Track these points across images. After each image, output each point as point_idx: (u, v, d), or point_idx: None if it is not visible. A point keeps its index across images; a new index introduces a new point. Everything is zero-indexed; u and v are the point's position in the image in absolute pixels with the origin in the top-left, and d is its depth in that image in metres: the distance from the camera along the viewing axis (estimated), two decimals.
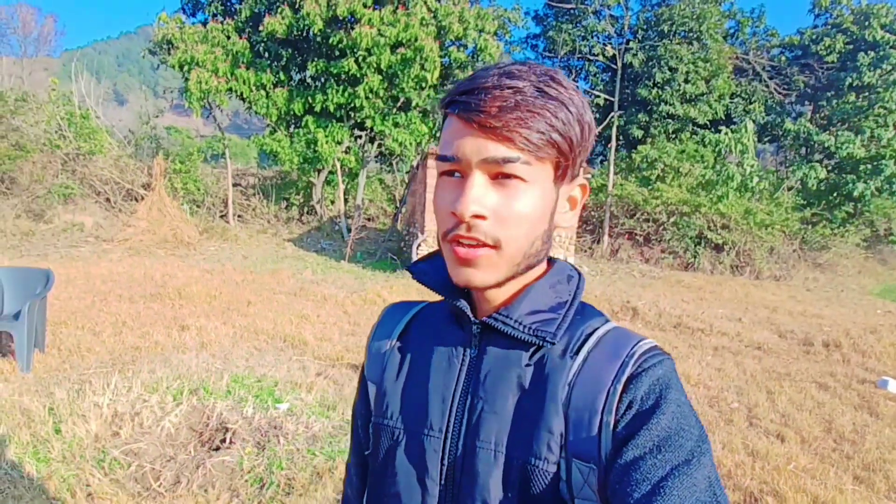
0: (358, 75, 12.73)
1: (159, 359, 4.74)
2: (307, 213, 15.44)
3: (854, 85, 16.78)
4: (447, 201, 0.65)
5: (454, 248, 0.65)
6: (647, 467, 0.58)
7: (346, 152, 13.94)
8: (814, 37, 17.85)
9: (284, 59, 14.18)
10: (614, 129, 16.75)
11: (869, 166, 15.69)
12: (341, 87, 13.13)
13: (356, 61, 12.63)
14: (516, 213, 0.63)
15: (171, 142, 16.27)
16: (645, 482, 0.57)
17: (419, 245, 10.89)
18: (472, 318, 0.72)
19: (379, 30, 12.20)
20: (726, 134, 13.37)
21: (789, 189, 16.57)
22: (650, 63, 16.81)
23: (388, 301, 8.08)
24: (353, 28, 12.53)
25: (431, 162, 10.60)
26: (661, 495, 0.55)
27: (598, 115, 18.81)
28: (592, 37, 17.52)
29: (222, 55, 12.62)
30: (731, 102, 17.61)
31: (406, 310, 0.86)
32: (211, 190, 14.97)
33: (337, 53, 13.54)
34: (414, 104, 13.45)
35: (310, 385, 4.44)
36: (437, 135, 13.78)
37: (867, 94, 16.62)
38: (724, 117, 17.42)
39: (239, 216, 14.86)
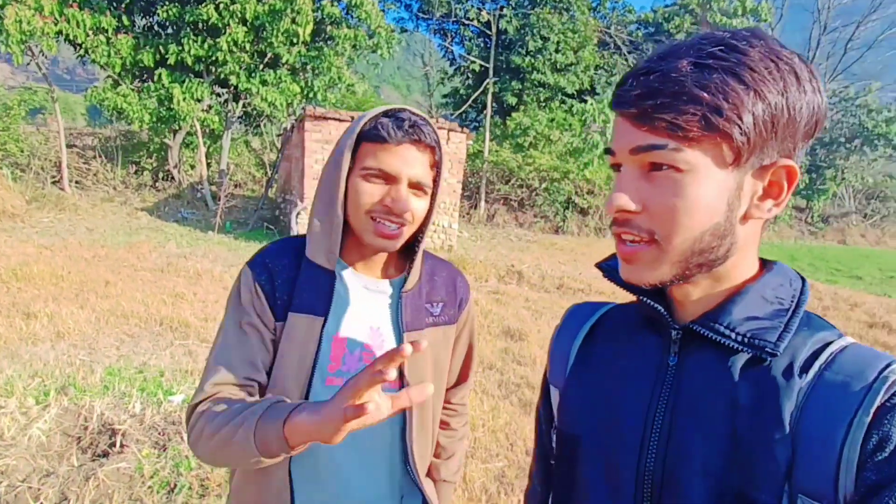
0: (219, 25, 11.44)
1: (3, 354, 3.92)
2: (163, 178, 13.82)
3: None
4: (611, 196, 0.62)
5: (618, 244, 0.63)
6: None
7: (206, 111, 12.60)
8: (666, 15, 19.50)
9: (127, 0, 12.35)
10: (489, 96, 17.04)
11: None
12: (200, 38, 11.73)
13: (216, 8, 11.33)
14: (670, 206, 0.57)
15: None
16: None
17: (298, 213, 10.26)
18: (672, 322, 0.65)
19: None
20: (591, 104, 14.18)
21: None
22: (523, 31, 17.19)
23: None
24: None
25: (309, 125, 9.94)
26: None
27: (472, 82, 19.03)
28: (468, 0, 17.49)
29: None
30: (596, 74, 18.76)
31: (592, 311, 0.81)
32: (38, 152, 12.79)
33: None
34: (284, 61, 12.47)
35: (201, 371, 3.95)
36: (310, 94, 12.99)
37: None
38: (589, 88, 18.51)
39: (77, 182, 12.90)
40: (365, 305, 1.00)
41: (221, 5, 11.27)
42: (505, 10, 17.17)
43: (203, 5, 11.38)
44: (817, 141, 24.29)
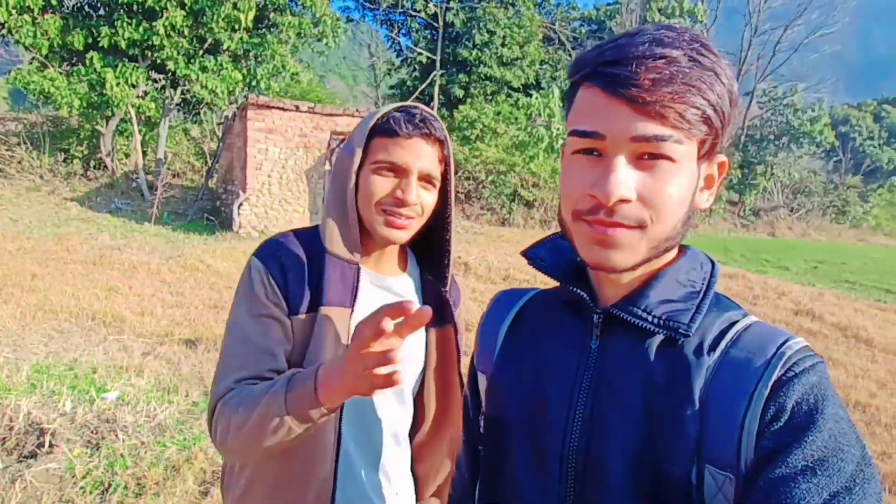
0: (156, 8, 10.97)
1: None
2: (94, 167, 13.15)
3: None
4: (584, 182, 0.59)
5: (592, 228, 0.59)
6: (799, 491, 0.51)
7: (142, 97, 12.07)
8: (608, 13, 20.01)
9: None
10: (436, 88, 17.05)
11: None
12: (135, 21, 11.21)
13: None
14: (663, 197, 0.57)
15: None
16: None
17: (240, 204, 10.01)
18: (594, 307, 0.66)
19: None
20: (536, 98, 14.41)
21: None
22: (470, 24, 17.28)
23: (211, 267, 7.34)
24: None
25: (252, 113, 9.69)
26: None
27: (419, 74, 18.97)
28: None
29: None
30: (541, 69, 19.07)
31: (516, 297, 0.81)
32: None
33: None
34: (225, 47, 12.08)
35: (138, 367, 3.84)
36: (253, 83, 12.63)
37: None
38: (534, 82, 18.80)
39: None
40: (379, 300, 0.96)
41: None
42: (452, 2, 17.20)
43: None
44: (749, 138, 25.58)
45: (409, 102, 0.98)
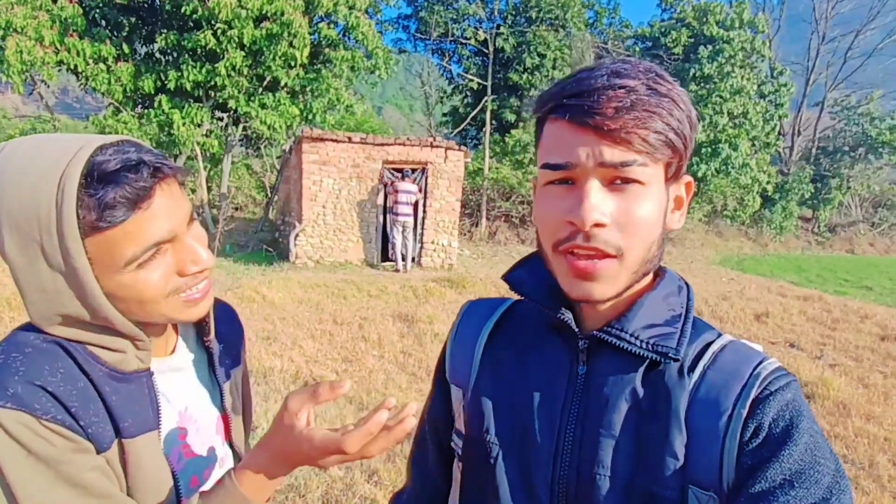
0: (217, 51, 11.54)
1: None
2: None
3: (696, 75, 18.63)
4: (559, 210, 0.60)
5: (571, 261, 0.61)
6: None
7: (206, 135, 12.66)
8: (662, 29, 19.57)
9: (127, 28, 12.47)
10: (488, 114, 17.09)
11: (709, 149, 17.63)
12: (198, 64, 11.83)
13: (214, 34, 11.43)
14: (636, 219, 0.59)
15: None
16: None
17: (297, 235, 10.23)
18: (579, 333, 0.67)
19: (239, 0, 11.13)
20: None
21: None
22: (520, 48, 17.23)
23: (266, 298, 7.46)
24: None
25: (306, 146, 9.95)
26: None
27: (471, 100, 19.09)
28: (464, 20, 17.62)
29: (47, 20, 10.76)
30: None
31: (490, 309, 0.81)
32: None
33: (191, 25, 12.18)
34: (282, 84, 12.54)
35: None
36: (309, 116, 13.02)
37: (706, 84, 18.58)
38: None
39: None
40: (173, 387, 0.82)
41: (219, 31, 11.37)
42: (502, 28, 17.27)
43: (201, 32, 11.50)
44: (821, 150, 24.17)
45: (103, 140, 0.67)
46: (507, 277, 0.75)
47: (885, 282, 13.60)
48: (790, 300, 9.40)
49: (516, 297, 0.78)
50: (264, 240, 12.35)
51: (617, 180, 0.58)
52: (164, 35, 12.01)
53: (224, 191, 13.15)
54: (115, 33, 12.30)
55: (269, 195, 14.27)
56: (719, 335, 0.67)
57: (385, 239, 10.58)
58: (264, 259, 10.89)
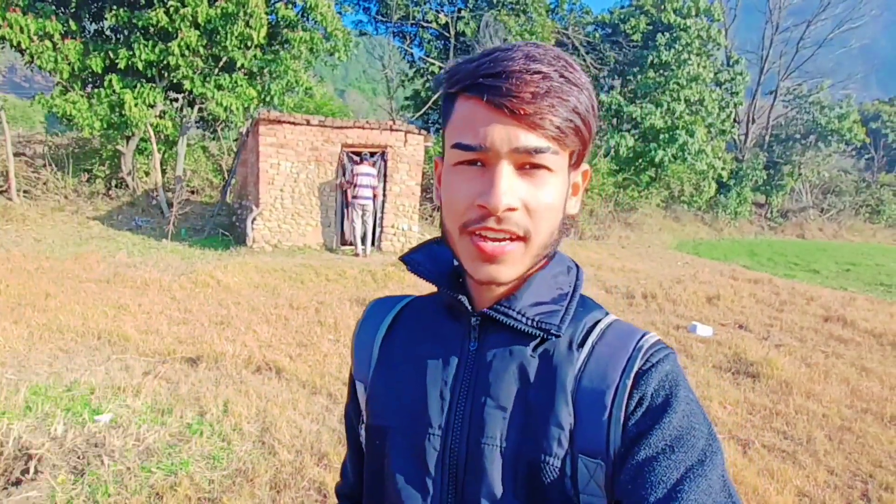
0: (171, 29, 11.19)
1: None
2: (116, 186, 13.44)
3: (654, 62, 18.94)
4: (470, 192, 0.60)
5: (478, 244, 0.61)
6: (661, 469, 0.57)
7: (160, 117, 12.31)
8: (622, 16, 19.77)
9: (74, 4, 11.97)
10: None
11: (666, 136, 17.98)
12: (151, 42, 11.45)
13: (167, 12, 11.08)
14: (545, 204, 0.61)
15: None
16: (660, 484, 0.56)
17: (254, 219, 10.10)
18: (472, 311, 0.69)
19: None
20: None
21: (605, 156, 18.38)
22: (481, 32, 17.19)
23: (221, 282, 7.38)
24: None
25: (263, 129, 9.79)
26: (679, 499, 0.55)
27: (432, 84, 18.97)
28: (425, 3, 17.47)
29: None
30: None
31: (391, 305, 0.82)
32: None
33: (143, 2, 11.78)
34: (239, 65, 12.25)
35: (136, 388, 3.84)
36: (267, 98, 12.77)
37: (664, 71, 18.90)
38: None
39: (25, 192, 12.47)
40: None
41: (172, 9, 11.03)
42: (463, 12, 17.21)
43: (153, 10, 11.13)
44: (774, 138, 24.95)
45: None
46: (405, 258, 0.76)
47: (832, 265, 14.20)
48: (741, 283, 9.75)
49: (419, 293, 0.83)
50: (221, 224, 12.13)
51: (527, 165, 0.59)
52: (114, 12, 11.58)
53: (179, 174, 12.83)
54: (62, 9, 11.79)
55: (226, 178, 14.00)
56: (607, 314, 0.71)
57: (344, 223, 10.54)
58: (221, 243, 10.73)
